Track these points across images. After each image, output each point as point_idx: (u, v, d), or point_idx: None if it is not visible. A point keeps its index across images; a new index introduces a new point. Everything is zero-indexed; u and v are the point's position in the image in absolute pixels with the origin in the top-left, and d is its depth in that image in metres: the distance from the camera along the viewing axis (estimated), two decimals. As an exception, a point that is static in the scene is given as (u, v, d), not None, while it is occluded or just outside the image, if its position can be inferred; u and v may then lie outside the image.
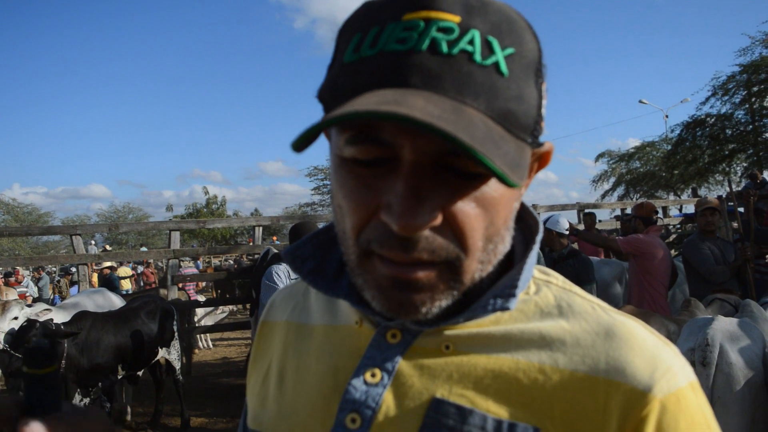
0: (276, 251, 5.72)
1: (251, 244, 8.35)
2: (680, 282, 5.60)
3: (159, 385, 5.75)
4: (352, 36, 0.52)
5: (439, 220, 0.50)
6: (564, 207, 9.54)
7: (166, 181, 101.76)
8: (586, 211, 8.94)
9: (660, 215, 9.43)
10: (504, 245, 0.57)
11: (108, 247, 20.79)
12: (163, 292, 8.09)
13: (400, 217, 0.48)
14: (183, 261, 13.27)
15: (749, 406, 2.37)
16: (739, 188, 10.38)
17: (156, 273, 15.88)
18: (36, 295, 12.83)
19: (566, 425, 0.53)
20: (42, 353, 0.54)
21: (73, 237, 7.21)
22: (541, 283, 0.64)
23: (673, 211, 12.37)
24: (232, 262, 20.01)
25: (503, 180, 0.43)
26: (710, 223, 4.88)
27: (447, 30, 0.49)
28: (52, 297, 13.45)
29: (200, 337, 9.56)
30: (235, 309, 12.32)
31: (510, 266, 0.62)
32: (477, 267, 0.54)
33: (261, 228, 8.14)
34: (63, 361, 4.40)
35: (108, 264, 10.90)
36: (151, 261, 16.25)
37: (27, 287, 12.98)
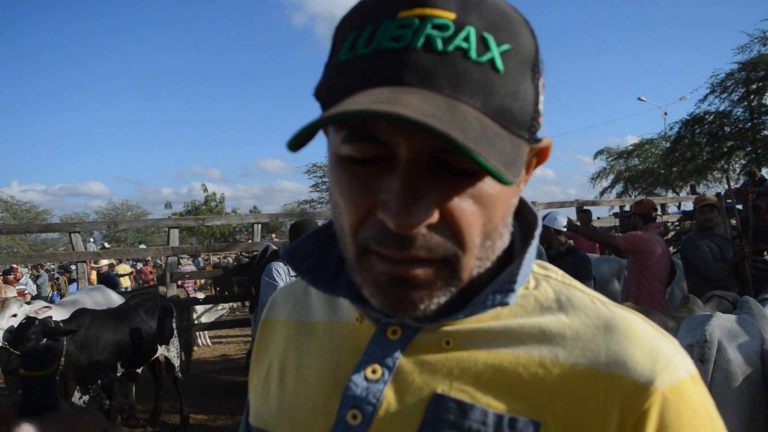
0: (275, 248, 5.72)
1: (250, 241, 8.34)
2: (678, 279, 5.61)
3: (158, 382, 5.75)
4: (348, 34, 0.52)
5: (435, 217, 0.50)
6: (562, 204, 9.55)
7: (164, 178, 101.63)
8: (584, 208, 8.96)
9: (659, 212, 9.44)
10: (502, 241, 0.57)
11: (107, 245, 20.76)
12: (162, 289, 8.10)
13: (396, 216, 0.48)
14: (182, 258, 13.25)
15: (747, 402, 2.38)
16: (738, 186, 10.40)
17: (155, 271, 15.87)
18: (35, 292, 12.80)
19: (567, 419, 0.54)
20: (39, 356, 0.55)
21: (72, 234, 7.21)
22: (540, 278, 0.64)
23: (672, 209, 12.39)
24: (231, 259, 20.00)
25: (497, 178, 0.43)
26: (709, 220, 4.89)
27: (442, 27, 0.48)
28: (50, 294, 13.43)
29: (200, 334, 9.57)
30: (234, 306, 12.32)
31: (509, 261, 0.62)
32: (475, 264, 0.54)
33: (260, 225, 8.15)
34: (62, 359, 4.40)
35: (105, 262, 10.88)
36: (149, 258, 16.24)
37: (26, 285, 12.94)
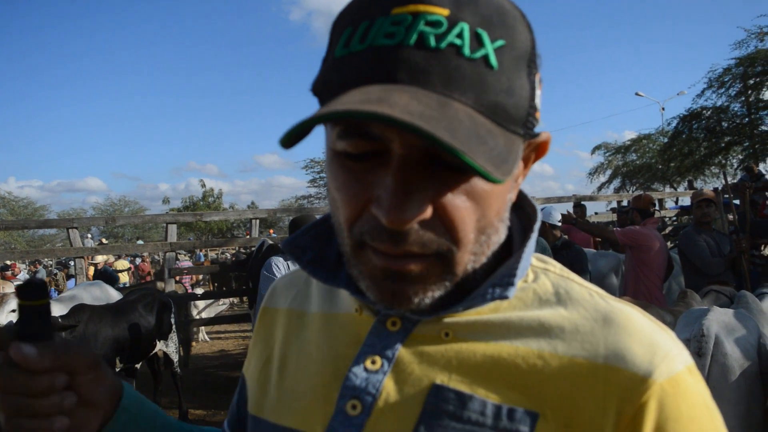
0: (271, 243, 5.72)
1: (248, 236, 8.33)
2: (676, 274, 5.62)
3: (157, 377, 5.76)
4: (344, 30, 0.53)
5: (428, 213, 0.50)
6: (560, 199, 9.55)
7: (161, 174, 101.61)
8: (582, 203, 8.98)
9: (656, 207, 9.46)
10: (498, 236, 0.57)
11: (104, 241, 20.74)
12: (160, 284, 8.09)
13: (389, 211, 0.49)
14: (179, 254, 13.25)
15: (744, 395, 2.39)
16: (735, 181, 10.41)
17: (151, 268, 15.86)
18: (32, 288, 12.76)
19: (565, 410, 0.54)
20: (35, 287, 0.58)
21: (70, 230, 7.19)
22: (539, 271, 0.64)
23: (670, 204, 12.42)
24: (229, 255, 19.99)
25: (485, 176, 0.44)
26: (706, 215, 4.90)
27: (435, 24, 0.49)
28: (48, 290, 13.41)
29: (199, 329, 9.58)
30: (234, 302, 12.32)
31: (508, 254, 0.62)
32: (469, 258, 0.54)
33: (258, 221, 8.14)
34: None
35: (101, 258, 10.86)
36: (146, 254, 16.23)
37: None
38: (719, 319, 2.56)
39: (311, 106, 0.52)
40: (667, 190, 22.53)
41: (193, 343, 8.61)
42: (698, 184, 20.55)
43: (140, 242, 24.65)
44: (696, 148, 20.47)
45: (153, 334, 5.25)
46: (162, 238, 8.30)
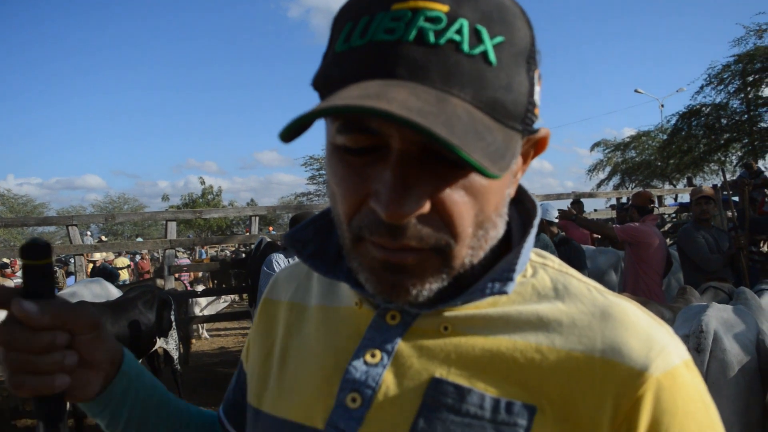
0: (269, 240, 5.72)
1: (248, 234, 8.34)
2: (675, 270, 5.63)
3: (157, 374, 5.75)
4: (344, 25, 0.53)
5: (426, 208, 0.51)
6: (559, 196, 9.56)
7: (160, 171, 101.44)
8: (580, 200, 9.00)
9: (655, 204, 9.48)
10: (496, 231, 0.58)
11: (104, 238, 20.73)
12: (159, 282, 8.09)
13: (387, 206, 0.49)
14: (178, 252, 13.25)
15: (743, 391, 2.39)
16: (734, 178, 10.42)
17: (152, 265, 15.84)
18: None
19: (563, 404, 0.55)
20: (39, 246, 0.59)
21: (69, 228, 7.20)
22: (537, 266, 0.65)
23: (669, 201, 12.43)
24: (229, 252, 19.98)
25: (481, 172, 0.44)
26: (705, 212, 4.91)
27: (434, 20, 0.49)
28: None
29: (200, 327, 9.59)
30: (235, 299, 12.33)
31: (508, 249, 0.63)
32: (467, 252, 0.55)
33: (257, 218, 8.14)
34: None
35: (98, 256, 10.85)
36: (145, 252, 16.23)
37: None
38: (718, 315, 2.57)
39: (310, 103, 0.52)
40: (667, 187, 22.53)
41: (193, 341, 8.63)
42: (697, 181, 20.52)
43: (140, 240, 24.65)
44: (695, 145, 20.45)
45: (153, 331, 5.25)
46: (161, 235, 8.30)
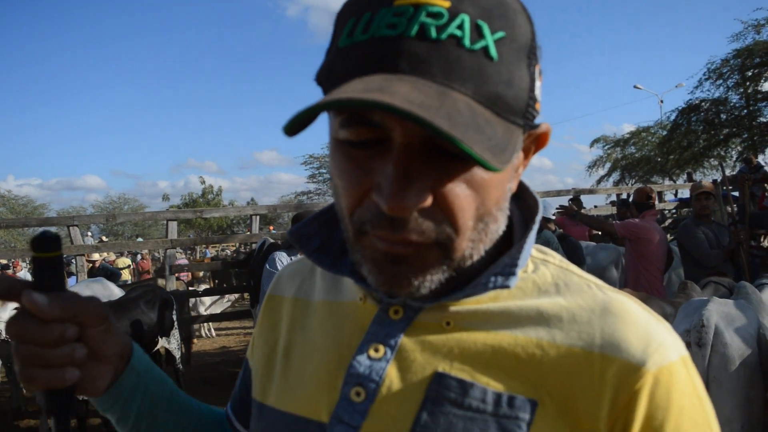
0: (272, 241, 5.73)
1: (249, 233, 8.35)
2: (675, 265, 5.64)
3: (159, 374, 5.76)
4: (347, 21, 0.54)
5: (428, 201, 0.51)
6: (559, 193, 9.56)
7: (160, 171, 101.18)
8: (579, 196, 9.02)
9: (653, 200, 9.49)
10: (497, 225, 0.58)
11: (104, 238, 20.72)
12: (161, 281, 8.10)
13: (389, 199, 0.50)
14: (177, 252, 13.26)
15: (744, 385, 2.41)
16: (734, 172, 10.42)
17: (153, 265, 15.86)
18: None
19: (563, 398, 0.55)
20: (49, 239, 0.59)
21: (70, 228, 7.20)
22: (538, 262, 0.65)
23: (669, 196, 12.43)
24: (229, 251, 19.98)
25: (483, 164, 0.45)
26: (705, 207, 4.91)
27: (436, 15, 0.49)
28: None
29: (203, 326, 9.61)
30: (237, 298, 12.35)
31: (509, 244, 0.63)
32: (468, 245, 0.55)
33: (258, 217, 8.15)
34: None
35: (97, 256, 10.83)
36: (146, 252, 16.23)
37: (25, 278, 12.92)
38: (719, 310, 2.58)
39: (309, 101, 0.53)
40: (667, 182, 22.50)
41: (194, 341, 8.64)
42: (697, 176, 20.53)
43: (140, 240, 24.65)
44: (695, 140, 20.48)
45: (155, 330, 5.26)
46: (162, 235, 8.31)
